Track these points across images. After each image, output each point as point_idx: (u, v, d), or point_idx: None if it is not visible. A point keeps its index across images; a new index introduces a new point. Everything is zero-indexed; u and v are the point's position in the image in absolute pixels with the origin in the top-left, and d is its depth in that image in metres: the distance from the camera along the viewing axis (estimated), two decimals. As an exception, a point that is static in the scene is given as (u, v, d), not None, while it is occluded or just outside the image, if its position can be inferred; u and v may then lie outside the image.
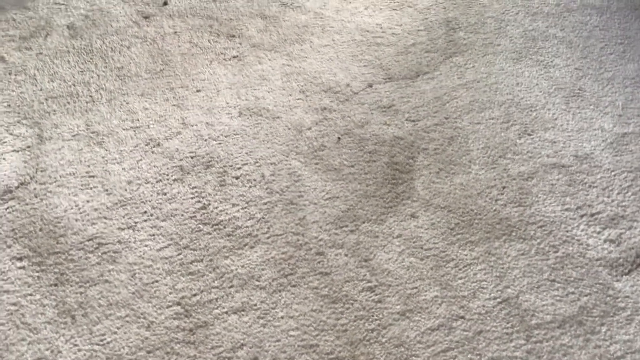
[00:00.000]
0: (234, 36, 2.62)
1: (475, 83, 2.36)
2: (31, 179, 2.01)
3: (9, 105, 2.26)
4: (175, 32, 2.63)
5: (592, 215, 1.89)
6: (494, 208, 1.92)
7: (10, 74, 2.40)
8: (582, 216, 1.89)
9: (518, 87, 2.34)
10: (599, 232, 1.85)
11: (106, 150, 2.11)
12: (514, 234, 1.85)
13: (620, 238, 1.83)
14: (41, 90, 2.33)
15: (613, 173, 2.01)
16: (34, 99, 2.29)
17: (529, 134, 2.15)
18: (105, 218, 1.90)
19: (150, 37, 2.60)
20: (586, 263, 1.77)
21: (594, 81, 2.36)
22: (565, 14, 2.70)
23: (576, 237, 1.83)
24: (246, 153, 2.10)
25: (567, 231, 1.85)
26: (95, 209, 1.93)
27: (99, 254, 1.81)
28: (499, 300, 1.69)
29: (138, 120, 2.22)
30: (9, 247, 1.82)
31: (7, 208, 1.92)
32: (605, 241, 1.82)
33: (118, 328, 1.64)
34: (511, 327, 1.63)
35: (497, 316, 1.66)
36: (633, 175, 2.00)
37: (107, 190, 1.98)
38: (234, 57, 2.52)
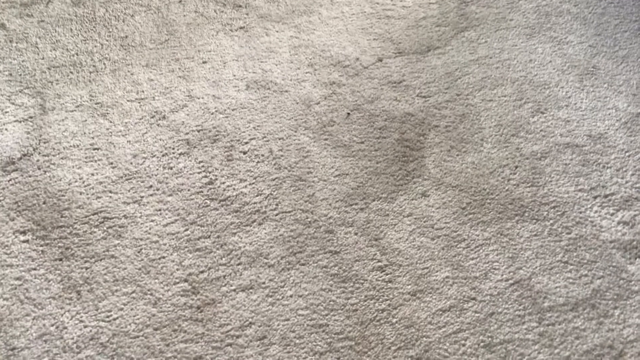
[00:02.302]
0: (240, 6, 2.56)
1: (488, 59, 2.31)
2: (34, 150, 1.97)
3: (11, 74, 2.21)
4: (180, 1, 2.56)
5: (606, 196, 1.86)
6: (506, 188, 1.89)
7: (11, 41, 2.34)
8: (595, 197, 1.86)
9: (531, 64, 2.29)
10: (612, 214, 1.82)
11: (110, 122, 2.06)
12: (526, 214, 1.82)
13: (634, 220, 1.80)
14: (43, 59, 2.28)
15: (627, 154, 1.98)
16: (36, 68, 2.24)
17: (542, 112, 2.11)
18: (111, 192, 1.87)
19: (154, 6, 2.53)
20: (599, 245, 1.74)
21: (608, 59, 2.31)
22: (580, -11, 2.64)
23: (589, 219, 1.81)
24: (254, 127, 2.06)
25: (581, 212, 1.82)
26: (100, 183, 1.89)
27: (105, 228, 1.78)
28: (511, 282, 1.67)
29: (143, 91, 2.17)
30: (12, 220, 1.79)
31: (10, 180, 1.89)
32: (619, 223, 1.80)
33: (124, 304, 1.62)
34: (523, 310, 1.61)
35: (509, 298, 1.63)
36: (648, 157, 1.97)
37: (111, 163, 1.94)
38: (241, 28, 2.46)
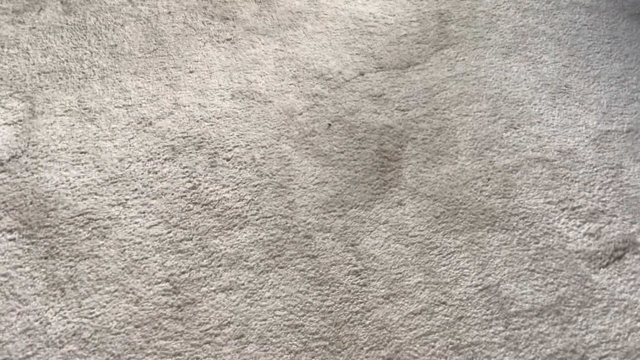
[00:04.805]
0: (227, 19, 2.63)
1: (465, 76, 2.40)
2: (22, 152, 2.02)
3: (1, 79, 2.26)
4: (170, 12, 2.64)
5: (573, 209, 1.95)
6: (479, 198, 1.97)
7: (2, 47, 2.39)
8: (563, 209, 1.94)
9: (506, 82, 2.38)
10: (579, 226, 1.90)
11: (98, 127, 2.12)
12: (497, 224, 1.90)
13: (599, 232, 1.89)
14: (34, 64, 2.34)
15: (595, 169, 2.07)
16: (27, 73, 2.30)
17: (515, 128, 2.19)
18: (96, 194, 1.92)
19: (144, 16, 2.60)
20: (566, 255, 1.82)
21: (580, 78, 2.41)
22: (555, 11, 2.75)
23: (557, 230, 1.89)
24: (237, 135, 2.13)
25: (549, 223, 1.90)
26: (86, 185, 1.94)
27: (89, 229, 1.83)
28: (480, 287, 1.74)
29: (130, 98, 2.23)
30: (0, 219, 1.84)
31: (-2, 180, 1.94)
32: (584, 234, 1.88)
33: (107, 302, 1.67)
34: (491, 314, 1.68)
35: (477, 303, 1.70)
36: (614, 172, 2.05)
37: (98, 166, 2.00)
38: (228, 39, 2.53)
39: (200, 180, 1.98)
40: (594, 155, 2.11)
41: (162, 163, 2.03)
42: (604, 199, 1.98)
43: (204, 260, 1.77)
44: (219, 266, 1.76)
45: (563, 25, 2.68)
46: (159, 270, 1.74)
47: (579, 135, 2.18)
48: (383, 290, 1.73)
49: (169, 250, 1.79)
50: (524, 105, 2.28)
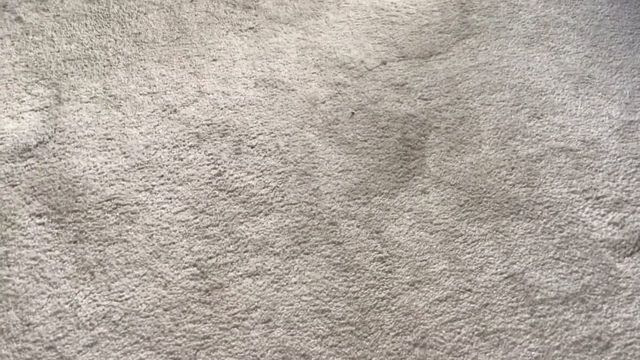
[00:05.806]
0: (250, 8, 2.64)
1: (487, 65, 2.40)
2: (50, 138, 2.04)
3: (27, 65, 2.28)
4: (192, 1, 2.65)
5: (598, 198, 1.95)
6: (503, 187, 1.98)
7: (27, 34, 2.41)
8: (587, 199, 1.95)
9: (529, 72, 2.38)
10: (603, 215, 1.90)
11: (123, 114, 2.14)
12: (521, 213, 1.90)
13: (623, 221, 1.89)
14: (59, 51, 2.36)
15: (619, 159, 2.07)
16: (52, 60, 2.32)
17: (539, 118, 2.20)
18: (123, 180, 1.94)
19: (167, 5, 2.62)
20: (590, 244, 1.83)
21: (603, 69, 2.40)
22: (577, 1, 2.74)
23: (581, 219, 1.89)
24: (261, 123, 2.14)
25: (573, 212, 1.91)
26: (113, 171, 1.96)
27: (117, 214, 1.85)
28: (505, 275, 1.75)
29: (155, 86, 2.25)
30: (28, 203, 1.86)
31: (26, 166, 1.96)
32: (609, 224, 1.88)
33: (136, 286, 1.69)
34: (516, 302, 1.69)
35: (502, 290, 1.71)
36: (638, 162, 2.05)
37: (124, 153, 2.02)
38: (250, 28, 2.54)
39: (225, 167, 2.00)
40: (617, 145, 2.11)
41: (188, 150, 2.04)
42: (628, 189, 1.98)
43: (231, 246, 1.79)
44: (245, 252, 1.78)
45: (585, 15, 2.67)
46: (187, 255, 1.76)
47: (602, 125, 2.18)
48: (408, 277, 1.74)
49: (195, 236, 1.81)
50: (547, 95, 2.28)
